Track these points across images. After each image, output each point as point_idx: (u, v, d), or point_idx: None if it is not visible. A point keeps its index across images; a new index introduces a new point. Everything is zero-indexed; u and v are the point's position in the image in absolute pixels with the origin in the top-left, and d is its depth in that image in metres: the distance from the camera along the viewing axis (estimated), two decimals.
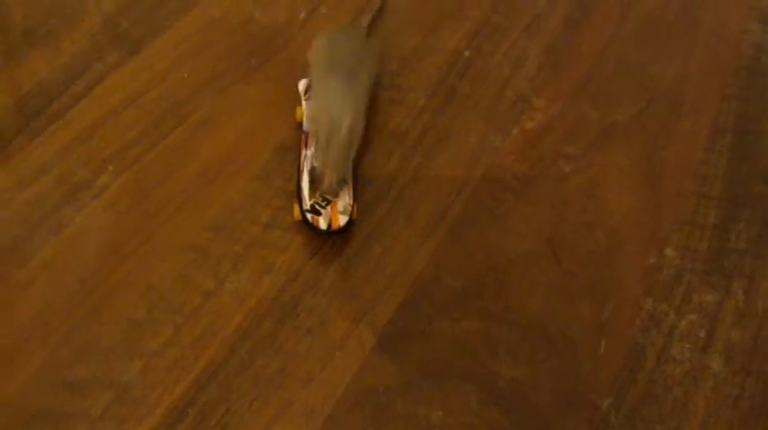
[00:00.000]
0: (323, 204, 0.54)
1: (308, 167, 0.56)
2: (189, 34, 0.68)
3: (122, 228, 0.55)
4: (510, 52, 0.70)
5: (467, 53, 0.69)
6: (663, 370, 0.52)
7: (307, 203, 0.54)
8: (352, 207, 0.55)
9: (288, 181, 0.58)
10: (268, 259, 0.54)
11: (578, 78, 0.69)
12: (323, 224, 0.53)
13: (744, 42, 0.73)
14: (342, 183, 0.54)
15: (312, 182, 0.55)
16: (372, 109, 0.63)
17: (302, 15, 0.71)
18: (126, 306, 0.52)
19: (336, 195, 0.53)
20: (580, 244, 0.58)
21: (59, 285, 0.52)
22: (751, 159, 0.64)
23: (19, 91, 0.63)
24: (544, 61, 0.70)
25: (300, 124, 0.61)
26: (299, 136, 0.61)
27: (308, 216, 0.54)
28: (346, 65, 0.58)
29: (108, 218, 0.56)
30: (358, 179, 0.59)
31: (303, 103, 0.61)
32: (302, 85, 0.62)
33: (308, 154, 0.57)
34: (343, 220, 0.54)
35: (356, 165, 0.58)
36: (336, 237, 0.56)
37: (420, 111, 0.65)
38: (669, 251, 0.58)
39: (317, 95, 0.58)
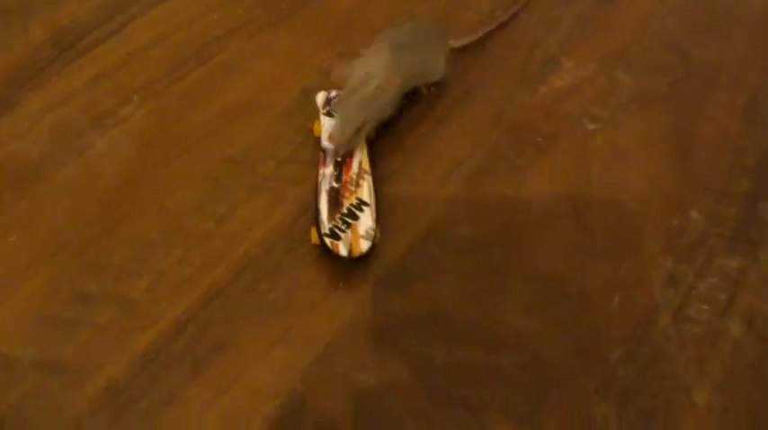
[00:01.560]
0: (343, 228, 0.50)
1: (327, 187, 0.52)
2: None
3: (142, 156, 0.56)
4: (544, 16, 0.69)
5: (499, 13, 0.68)
6: (679, 328, 0.50)
7: (326, 227, 0.50)
8: (375, 231, 0.50)
9: (309, 119, 0.58)
10: (282, 191, 0.54)
11: (612, 45, 0.67)
12: (343, 250, 0.49)
13: None
14: (351, 137, 0.52)
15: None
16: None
17: None
18: (139, 227, 0.52)
19: (341, 145, 0.51)
20: (601, 202, 0.56)
21: (78, 203, 0.53)
22: None
23: (55, 25, 0.65)
24: (577, 27, 0.69)
25: (318, 139, 0.56)
26: (324, 82, 0.61)
27: (327, 241, 0.49)
28: (407, 51, 0.57)
29: (129, 145, 0.57)
30: (380, 201, 0.53)
31: (321, 116, 0.57)
32: (320, 97, 0.58)
33: (326, 173, 0.53)
34: (365, 246, 0.49)
35: (380, 183, 0.54)
36: None
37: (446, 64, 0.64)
38: (694, 214, 0.56)
39: (363, 57, 0.56)
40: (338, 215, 0.50)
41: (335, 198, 0.51)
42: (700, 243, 0.54)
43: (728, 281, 0.53)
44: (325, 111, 0.57)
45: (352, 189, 0.52)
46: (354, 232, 0.50)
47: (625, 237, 0.55)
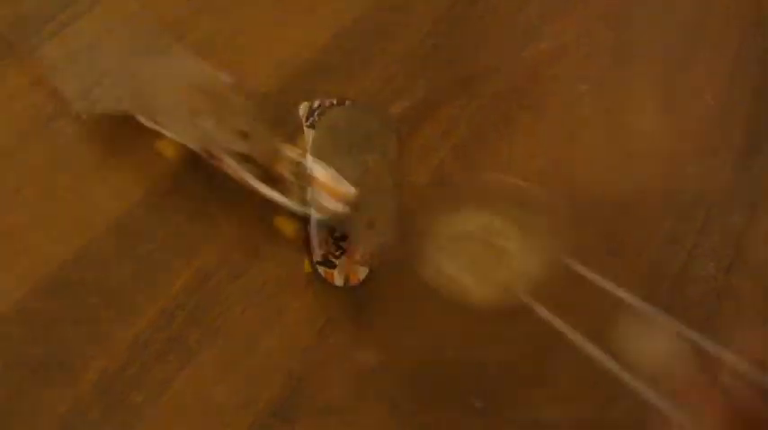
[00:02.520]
0: (337, 254, 0.45)
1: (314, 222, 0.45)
2: None
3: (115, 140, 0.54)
4: None
5: None
6: (683, 288, 0.49)
7: (318, 254, 0.45)
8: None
9: (286, 94, 0.56)
10: None
11: (596, 6, 0.66)
12: (338, 280, 0.45)
13: None
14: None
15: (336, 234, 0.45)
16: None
17: None
18: None
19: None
20: (593, 163, 0.55)
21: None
22: None
23: (18, 8, 0.62)
24: None
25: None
26: (306, 57, 0.59)
27: (321, 269, 0.45)
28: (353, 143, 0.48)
29: (102, 129, 0.54)
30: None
31: (305, 129, 0.50)
32: (303, 109, 0.51)
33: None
34: (362, 273, 0.45)
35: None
36: None
37: (426, 35, 0.62)
38: (691, 170, 0.55)
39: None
40: (331, 239, 0.45)
41: None
42: (698, 200, 0.53)
43: (731, 237, 0.51)
44: (308, 123, 0.50)
45: None
46: (349, 258, 0.45)
47: (619, 197, 0.53)
